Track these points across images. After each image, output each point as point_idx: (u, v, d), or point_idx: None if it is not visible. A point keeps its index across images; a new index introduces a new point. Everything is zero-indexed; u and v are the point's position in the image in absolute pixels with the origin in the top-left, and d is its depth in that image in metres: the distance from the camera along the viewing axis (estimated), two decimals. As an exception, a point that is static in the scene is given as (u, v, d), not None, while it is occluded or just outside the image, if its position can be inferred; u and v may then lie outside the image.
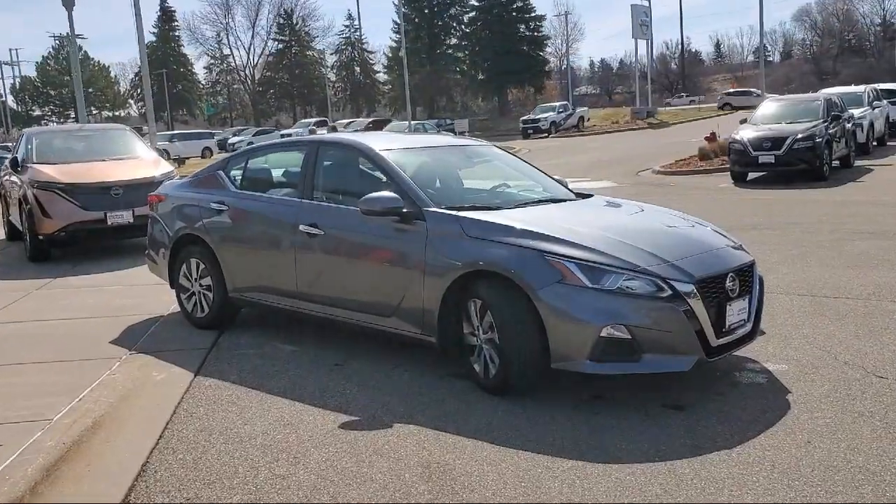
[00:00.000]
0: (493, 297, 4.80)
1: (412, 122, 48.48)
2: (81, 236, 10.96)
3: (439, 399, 4.93)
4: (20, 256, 11.48)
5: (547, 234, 4.82)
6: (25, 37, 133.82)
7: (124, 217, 10.83)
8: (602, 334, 4.49)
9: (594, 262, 4.62)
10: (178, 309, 7.23)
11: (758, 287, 5.21)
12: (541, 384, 4.87)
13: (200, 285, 6.83)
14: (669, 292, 4.57)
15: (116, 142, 12.67)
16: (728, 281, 4.86)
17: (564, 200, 5.95)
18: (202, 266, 6.77)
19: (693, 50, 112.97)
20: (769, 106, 19.60)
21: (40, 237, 10.78)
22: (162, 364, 5.92)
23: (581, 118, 51.15)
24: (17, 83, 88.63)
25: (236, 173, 6.86)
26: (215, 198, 6.69)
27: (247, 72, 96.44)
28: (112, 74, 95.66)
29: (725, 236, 5.50)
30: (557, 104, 53.93)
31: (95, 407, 4.93)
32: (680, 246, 5.01)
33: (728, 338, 4.84)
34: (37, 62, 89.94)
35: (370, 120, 60.70)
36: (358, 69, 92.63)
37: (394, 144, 6.10)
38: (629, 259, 4.66)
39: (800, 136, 16.80)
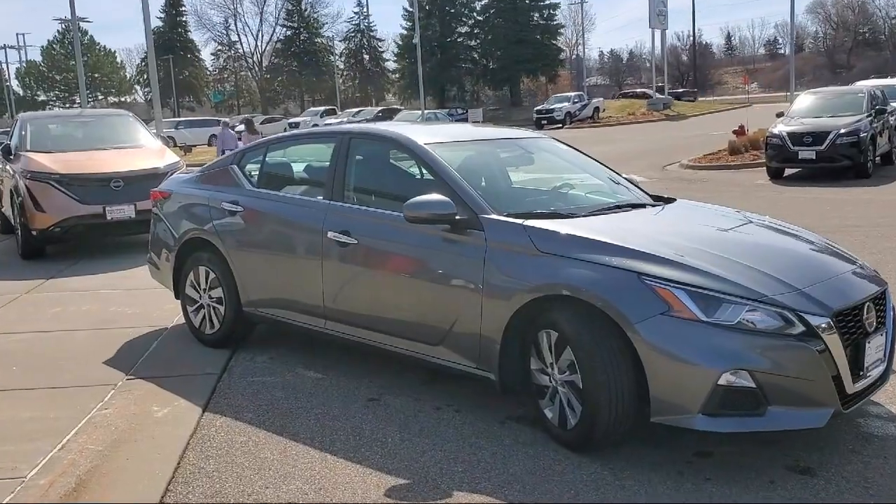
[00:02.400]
0: (574, 329, 3.86)
1: (424, 112, 47.33)
2: (78, 232, 10.02)
3: (504, 454, 3.99)
4: (12, 253, 10.55)
5: (643, 250, 3.87)
6: (31, 21, 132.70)
7: (125, 211, 9.89)
8: (720, 382, 3.55)
9: (708, 289, 3.66)
10: (184, 321, 6.31)
11: (892, 317, 4.26)
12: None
13: (210, 297, 5.89)
14: (802, 328, 3.62)
15: (118, 129, 11.72)
16: (865, 312, 3.91)
17: (644, 205, 4.99)
18: (212, 275, 5.84)
19: (704, 42, 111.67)
20: (807, 99, 18.56)
21: (33, 232, 9.84)
22: (164, 394, 4.99)
23: (596, 109, 49.98)
24: (23, 68, 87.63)
25: (252, 168, 5.91)
26: (228, 196, 5.75)
27: (255, 59, 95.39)
28: (118, 60, 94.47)
29: (845, 253, 4.55)
30: (572, 94, 52.75)
31: (80, 458, 3.99)
32: (805, 268, 4.06)
33: (864, 382, 3.89)
34: (42, 47, 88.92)
35: (379, 109, 59.68)
36: (367, 57, 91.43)
37: (439, 137, 5.15)
38: (750, 285, 3.71)
39: (843, 130, 15.82)
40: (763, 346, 3.59)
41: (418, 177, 5.07)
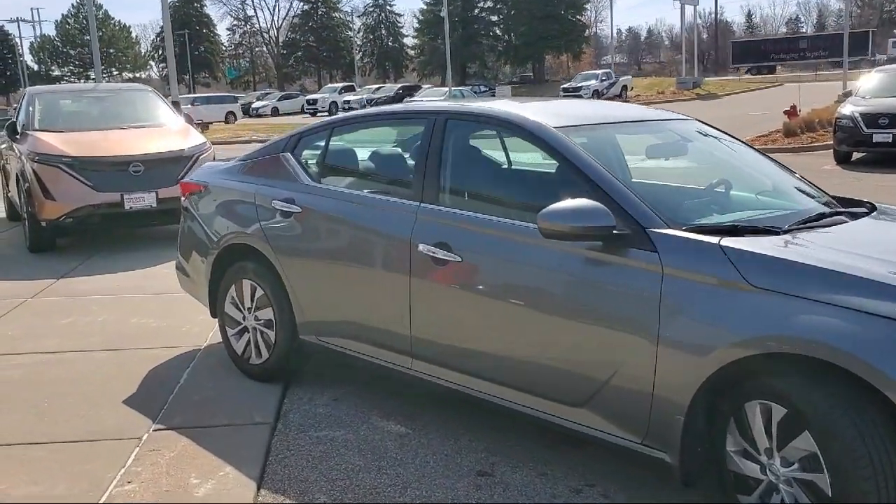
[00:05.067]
0: (818, 407, 2.62)
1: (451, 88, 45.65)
2: (93, 223, 8.81)
3: (700, 578, 2.77)
4: (19, 245, 9.37)
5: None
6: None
7: (146, 200, 8.69)
8: None
9: None
10: (220, 340, 5.13)
11: None
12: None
13: (256, 319, 4.68)
14: None
15: (137, 105, 10.46)
16: None
17: (842, 213, 3.70)
18: (259, 292, 4.63)
19: (725, 20, 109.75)
20: (877, 77, 17.10)
21: (42, 223, 8.65)
22: (203, 456, 3.80)
23: (624, 87, 48.34)
24: (37, 42, 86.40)
25: (311, 156, 4.67)
26: (281, 193, 4.52)
27: (271, 34, 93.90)
28: (133, 35, 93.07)
29: None
30: (600, 72, 51.12)
31: (94, 582, 2.81)
32: None
33: None
34: (56, 21, 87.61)
35: (400, 85, 58.29)
36: (385, 32, 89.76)
37: (567, 118, 3.85)
38: None
39: (923, 111, 14.43)
40: None
41: (560, 177, 3.80)
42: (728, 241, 2.97)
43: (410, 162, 4.28)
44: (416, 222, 3.84)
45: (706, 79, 55.24)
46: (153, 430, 4.12)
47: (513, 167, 4.29)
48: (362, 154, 4.67)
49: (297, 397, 4.52)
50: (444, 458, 3.72)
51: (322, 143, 4.60)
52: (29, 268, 8.20)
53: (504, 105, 4.04)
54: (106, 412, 4.38)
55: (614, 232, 3.13)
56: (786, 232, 3.21)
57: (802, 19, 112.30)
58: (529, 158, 4.54)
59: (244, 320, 4.77)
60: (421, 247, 3.77)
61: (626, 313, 3.11)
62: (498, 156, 4.30)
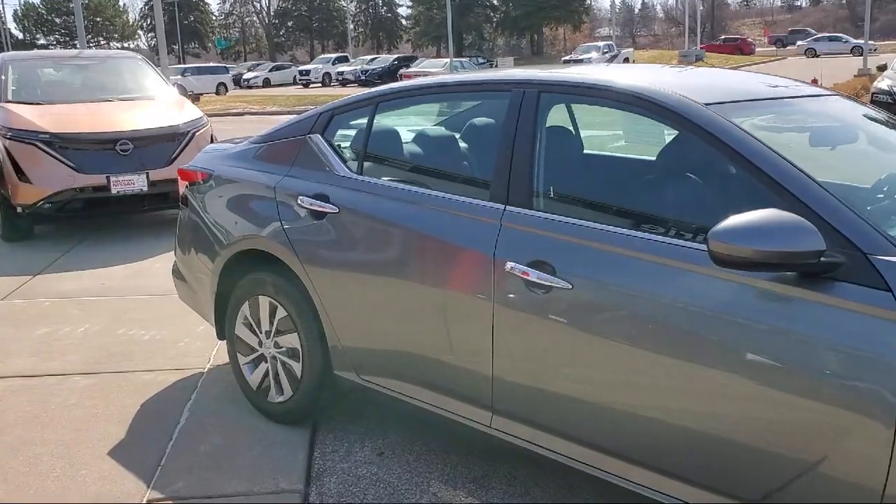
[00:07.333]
0: None
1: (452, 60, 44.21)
2: (75, 209, 7.75)
3: None
4: (-9, 232, 8.33)
5: None
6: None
7: (135, 183, 7.64)
8: None
9: None
10: (227, 356, 4.14)
11: None
12: None
13: (277, 347, 3.69)
14: None
15: (125, 75, 9.36)
16: None
17: None
18: (281, 312, 3.63)
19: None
20: (914, 48, 16.15)
21: (17, 209, 7.61)
22: (215, 547, 2.83)
23: (626, 60, 47.16)
24: (21, 10, 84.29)
25: (348, 140, 3.65)
26: (310, 187, 3.50)
27: (262, 3, 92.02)
28: (121, 3, 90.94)
29: None
30: (601, 44, 49.89)
31: None
32: None
33: None
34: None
35: (395, 56, 56.89)
36: (379, 2, 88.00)
37: (717, 94, 2.79)
38: None
39: (967, 86, 13.52)
40: None
41: (687, 167, 2.81)
42: None
43: (477, 147, 3.27)
44: (502, 232, 2.85)
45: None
46: (147, 502, 3.13)
47: (641, 159, 3.28)
48: (425, 138, 3.64)
49: (331, 449, 3.54)
50: (543, 555, 2.75)
51: (364, 122, 3.56)
52: (1, 261, 7.16)
53: (619, 75, 3.00)
54: (86, 470, 3.40)
55: (822, 259, 2.15)
56: None
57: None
58: (601, 137, 3.57)
59: (261, 347, 3.77)
60: (509, 265, 2.77)
61: (838, 378, 2.13)
62: (604, 142, 3.29)
